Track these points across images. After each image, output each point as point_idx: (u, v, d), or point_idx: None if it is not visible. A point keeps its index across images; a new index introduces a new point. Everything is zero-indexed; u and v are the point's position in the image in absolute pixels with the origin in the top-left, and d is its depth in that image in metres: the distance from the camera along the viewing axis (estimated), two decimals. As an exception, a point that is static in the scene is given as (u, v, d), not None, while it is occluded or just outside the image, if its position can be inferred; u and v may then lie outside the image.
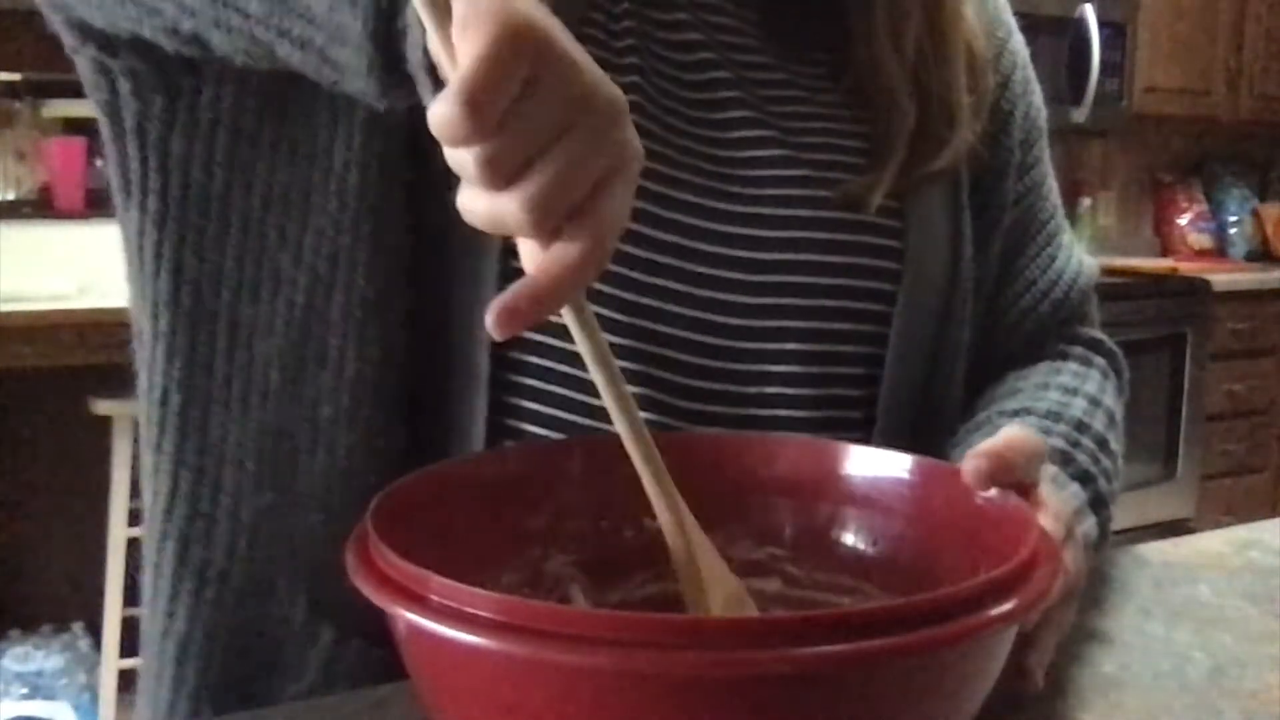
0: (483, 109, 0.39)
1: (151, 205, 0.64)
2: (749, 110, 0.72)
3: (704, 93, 0.71)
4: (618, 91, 0.43)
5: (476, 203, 0.42)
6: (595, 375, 0.47)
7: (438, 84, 0.44)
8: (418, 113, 0.43)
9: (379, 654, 0.65)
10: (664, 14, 0.72)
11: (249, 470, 0.65)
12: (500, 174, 0.41)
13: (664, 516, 0.50)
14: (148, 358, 0.66)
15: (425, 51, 0.45)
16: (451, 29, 0.41)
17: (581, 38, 0.67)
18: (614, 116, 0.43)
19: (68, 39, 0.63)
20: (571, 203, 0.42)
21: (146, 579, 0.69)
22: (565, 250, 0.42)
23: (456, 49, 0.41)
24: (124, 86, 0.63)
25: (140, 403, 0.68)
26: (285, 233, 0.63)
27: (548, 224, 0.42)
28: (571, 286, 0.43)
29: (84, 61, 0.64)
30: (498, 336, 0.42)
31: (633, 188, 0.44)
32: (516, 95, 0.40)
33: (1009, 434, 0.54)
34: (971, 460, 0.52)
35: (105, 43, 0.62)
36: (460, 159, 0.41)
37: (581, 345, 0.46)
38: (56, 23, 0.63)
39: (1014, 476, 0.52)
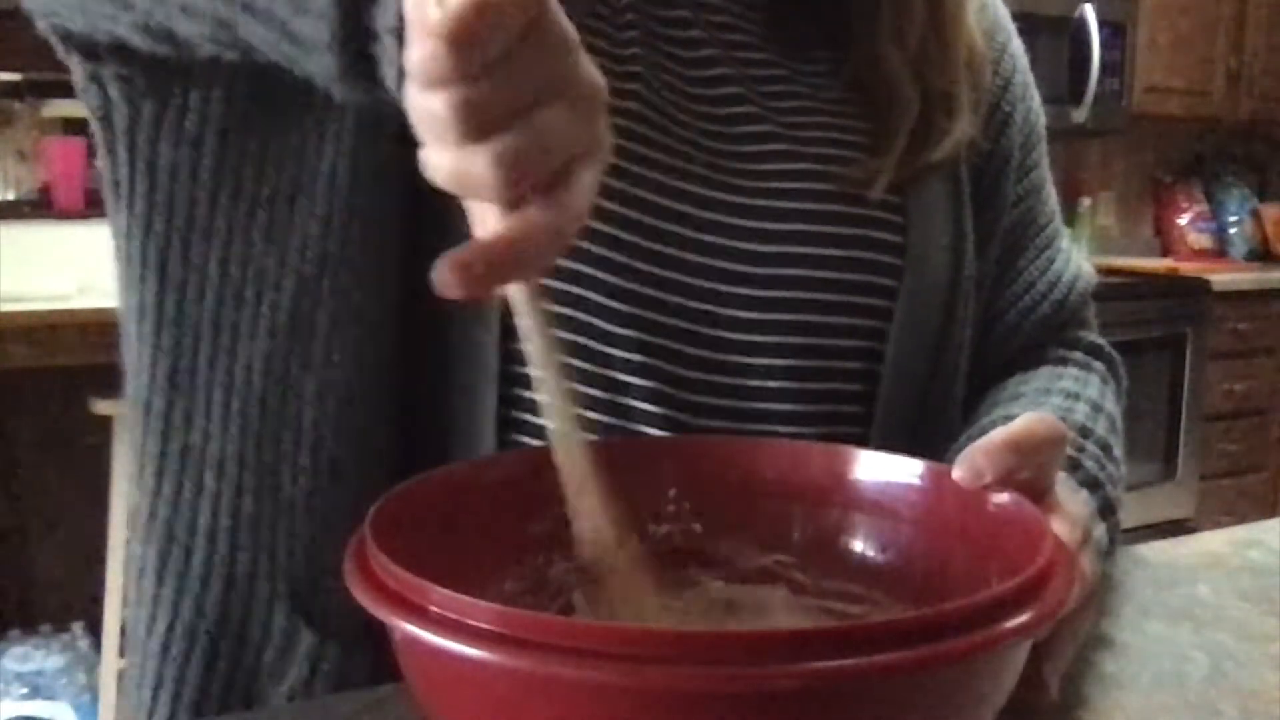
0: (470, 47, 0.38)
1: (139, 208, 0.63)
2: (751, 106, 0.72)
3: (707, 89, 0.72)
4: (602, 79, 0.43)
5: (443, 156, 0.41)
6: (539, 370, 0.46)
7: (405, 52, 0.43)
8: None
9: (360, 659, 0.65)
10: (667, 12, 0.72)
11: (230, 476, 0.64)
12: (475, 122, 0.39)
13: (581, 527, 0.49)
14: (134, 361, 0.66)
15: (396, 14, 0.44)
16: None
17: (585, 33, 0.68)
18: (596, 100, 0.42)
19: (57, 46, 0.63)
20: (544, 170, 0.41)
21: (131, 580, 0.69)
22: (529, 217, 0.41)
23: None
24: (114, 91, 0.62)
25: (127, 406, 0.68)
26: (271, 236, 0.63)
27: (516, 186, 0.40)
28: (532, 258, 0.41)
29: (76, 67, 0.63)
30: (446, 293, 0.40)
31: (597, 180, 0.43)
32: (505, 50, 0.39)
33: (1027, 421, 0.54)
34: (967, 463, 0.52)
35: (89, 50, 0.61)
36: (431, 106, 0.40)
37: (530, 335, 0.45)
38: (44, 30, 0.63)
39: (1025, 471, 0.52)
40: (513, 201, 0.41)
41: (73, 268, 2.63)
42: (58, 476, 2.81)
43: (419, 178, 0.42)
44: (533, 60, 0.40)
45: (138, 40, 0.58)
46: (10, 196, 2.81)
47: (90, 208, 2.75)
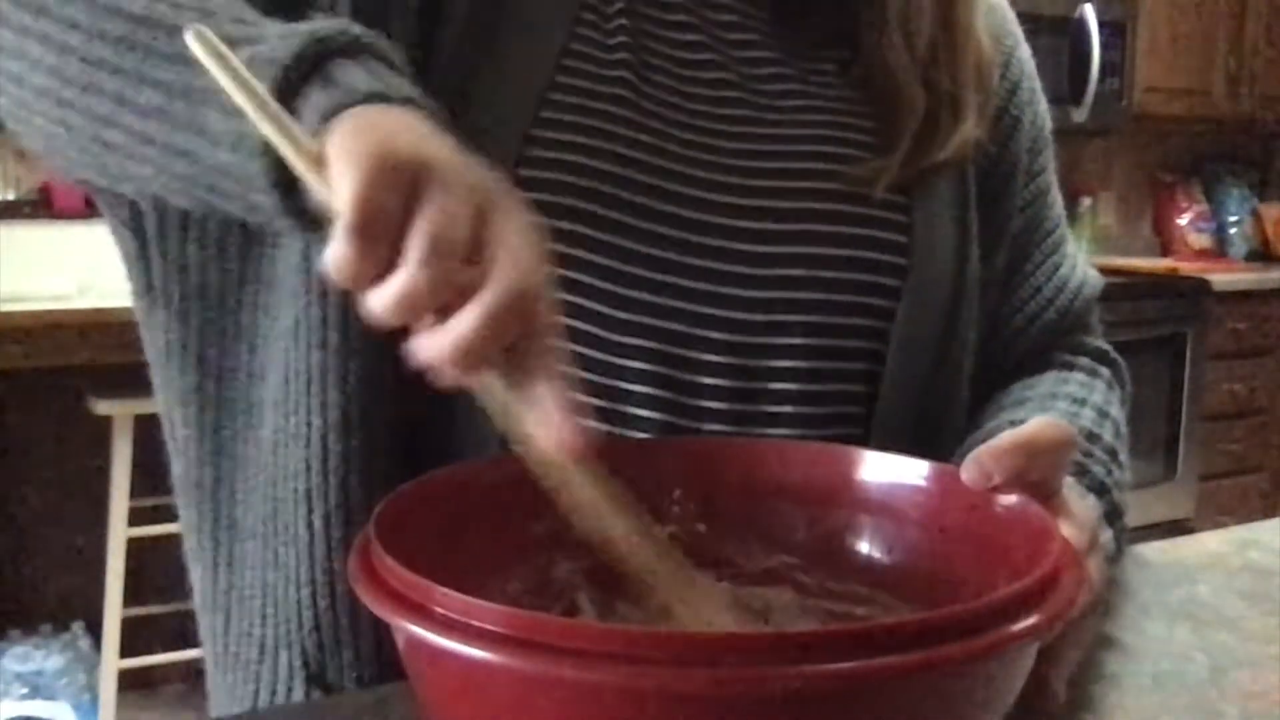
0: (371, 238, 0.42)
1: (175, 306, 0.67)
2: (751, 109, 0.72)
3: (706, 89, 0.71)
4: (499, 178, 0.47)
5: (441, 337, 0.44)
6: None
7: None
8: None
9: None
10: (664, 14, 0.72)
11: (256, 548, 0.67)
12: (423, 303, 0.43)
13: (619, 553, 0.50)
14: (181, 446, 0.69)
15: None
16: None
17: (573, 38, 0.68)
18: (509, 203, 0.46)
19: (93, 195, 0.67)
20: (524, 306, 0.44)
21: (207, 649, 0.73)
22: (537, 363, 0.45)
23: (335, 194, 0.44)
24: (144, 203, 0.65)
25: (177, 489, 0.71)
26: (278, 314, 0.65)
27: (506, 333, 0.44)
28: (560, 380, 0.45)
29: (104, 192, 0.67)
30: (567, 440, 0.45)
31: (554, 269, 0.47)
32: (399, 220, 0.43)
33: (1036, 424, 0.54)
34: (975, 465, 0.52)
35: (114, 195, 0.66)
36: (381, 304, 0.44)
37: (594, 498, 0.48)
38: (78, 187, 0.68)
39: (1032, 474, 0.52)
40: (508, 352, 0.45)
41: (73, 268, 2.63)
42: (58, 476, 2.80)
43: None
44: (438, 210, 0.44)
45: (143, 204, 0.63)
46: (10, 196, 2.81)
47: (90, 208, 2.74)
